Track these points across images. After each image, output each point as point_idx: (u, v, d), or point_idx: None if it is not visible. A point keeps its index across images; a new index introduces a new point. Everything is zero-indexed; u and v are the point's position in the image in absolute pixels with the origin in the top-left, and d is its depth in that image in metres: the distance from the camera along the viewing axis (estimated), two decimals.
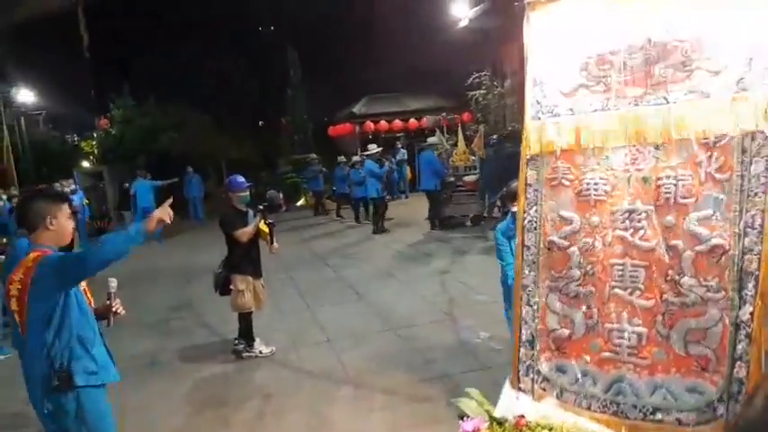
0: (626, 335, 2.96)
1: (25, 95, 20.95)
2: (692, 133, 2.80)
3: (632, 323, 2.95)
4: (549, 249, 3.22)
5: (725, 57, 2.74)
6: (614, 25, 3.03)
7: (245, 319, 5.51)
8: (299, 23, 21.93)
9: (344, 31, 22.21)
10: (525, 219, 3.32)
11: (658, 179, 2.89)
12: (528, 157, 3.32)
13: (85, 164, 21.13)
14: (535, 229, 3.29)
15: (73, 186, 11.32)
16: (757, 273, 2.60)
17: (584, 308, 3.12)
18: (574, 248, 3.13)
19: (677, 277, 2.81)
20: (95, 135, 21.76)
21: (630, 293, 2.96)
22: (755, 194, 2.64)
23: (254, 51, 23.14)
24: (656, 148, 2.91)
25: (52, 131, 23.25)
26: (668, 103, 2.87)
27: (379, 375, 4.80)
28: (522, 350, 3.30)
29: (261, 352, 5.51)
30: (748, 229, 2.64)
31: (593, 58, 3.11)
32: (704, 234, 2.74)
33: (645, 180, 2.94)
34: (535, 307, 3.27)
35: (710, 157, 2.76)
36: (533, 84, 3.32)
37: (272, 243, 5.52)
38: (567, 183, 3.18)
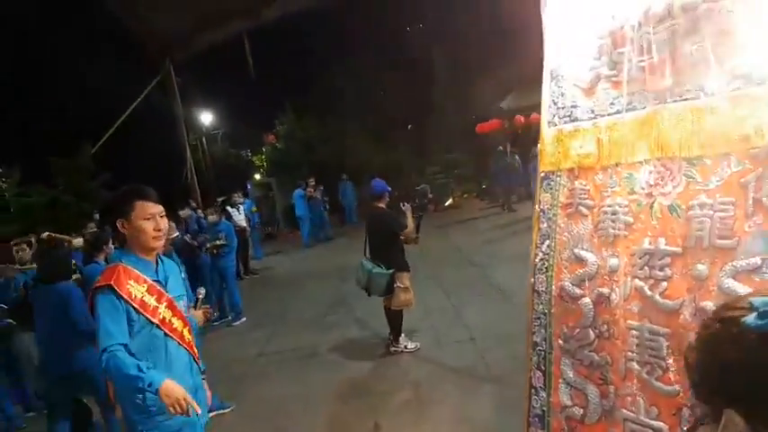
0: (642, 430, 2.18)
1: (205, 117, 24.75)
2: (736, 140, 1.93)
3: (650, 414, 2.15)
4: (560, 298, 2.54)
5: None
6: None
7: (400, 316, 5.87)
8: (444, 22, 21.07)
9: (488, 23, 20.55)
10: (537, 256, 2.67)
11: (689, 209, 2.06)
12: (542, 174, 2.67)
13: (257, 176, 23.95)
14: (547, 269, 2.62)
15: (241, 199, 12.75)
16: None
17: (599, 382, 2.39)
18: (587, 300, 2.42)
19: None
20: (264, 150, 24.36)
21: (649, 372, 2.16)
22: None
23: (401, 54, 23.10)
24: (689, 162, 2.07)
25: (229, 148, 26.71)
26: (705, 95, 2.03)
27: (521, 374, 4.90)
28: (532, 428, 2.66)
29: (406, 347, 5.89)
30: None
31: (607, 38, 2.36)
32: (745, 294, 1.86)
33: (672, 209, 2.12)
34: (547, 373, 2.62)
35: (761, 175, 1.87)
36: (550, 78, 2.66)
37: (417, 233, 5.88)
38: (585, 210, 2.47)
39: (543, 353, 2.62)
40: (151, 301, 2.42)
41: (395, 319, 5.90)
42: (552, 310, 2.58)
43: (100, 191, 16.41)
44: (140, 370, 2.23)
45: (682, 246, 2.07)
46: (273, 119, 23.23)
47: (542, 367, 2.63)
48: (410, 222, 5.69)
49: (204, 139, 23.71)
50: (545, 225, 2.64)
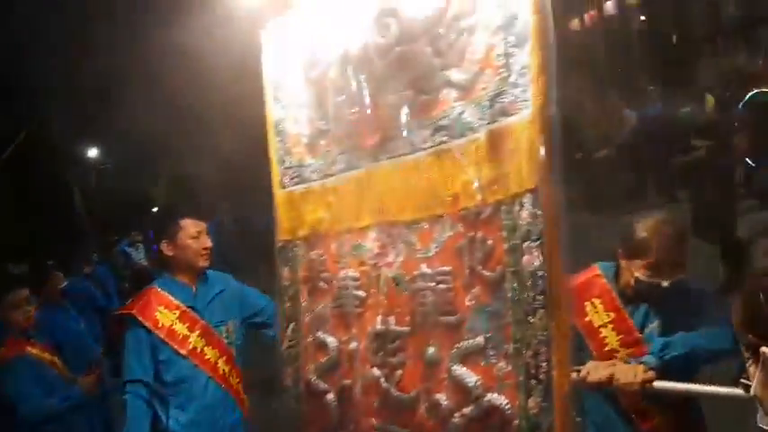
0: None
1: (91, 152, 22.20)
2: (447, 200, 1.68)
3: None
4: (308, 395, 2.17)
5: (479, 47, 1.60)
6: (336, 26, 1.97)
7: None
8: None
9: None
10: (284, 342, 2.29)
11: (413, 281, 1.77)
12: (280, 244, 2.31)
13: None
14: (295, 359, 2.25)
15: (140, 237, 11.29)
16: None
17: None
18: (331, 396, 2.06)
19: None
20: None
21: None
22: (534, 311, 1.47)
23: None
24: (408, 228, 1.80)
25: (120, 181, 24.77)
26: (413, 151, 1.77)
27: None
28: None
29: None
30: (532, 382, 1.47)
31: (316, 84, 2.07)
32: (472, 384, 1.59)
33: (397, 282, 1.83)
34: None
35: (473, 240, 1.62)
36: (276, 133, 2.32)
37: None
38: (324, 285, 2.13)
39: None
40: (182, 329, 2.37)
41: None
42: (302, 410, 2.20)
43: None
44: None
45: (410, 324, 1.78)
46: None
47: None
48: None
49: (92, 174, 21.20)
50: (288, 305, 2.28)
